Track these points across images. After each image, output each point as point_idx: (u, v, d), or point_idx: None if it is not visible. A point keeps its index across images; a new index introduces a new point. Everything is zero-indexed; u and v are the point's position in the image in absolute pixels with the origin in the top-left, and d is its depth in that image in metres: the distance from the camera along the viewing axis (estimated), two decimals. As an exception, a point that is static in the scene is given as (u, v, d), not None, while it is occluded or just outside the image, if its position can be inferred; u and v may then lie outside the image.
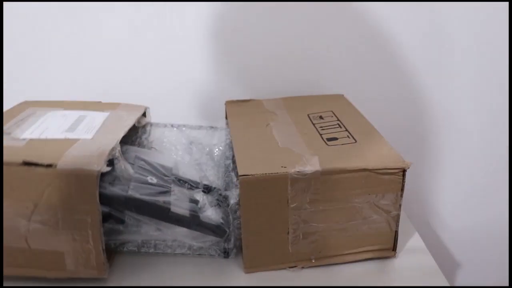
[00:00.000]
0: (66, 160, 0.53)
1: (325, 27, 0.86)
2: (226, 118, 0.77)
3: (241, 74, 0.89)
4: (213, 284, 0.60)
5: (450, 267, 1.11)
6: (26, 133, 0.61)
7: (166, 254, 0.64)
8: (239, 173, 0.55)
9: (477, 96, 0.94)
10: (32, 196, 0.53)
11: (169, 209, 0.59)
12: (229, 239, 0.63)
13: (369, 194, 0.59)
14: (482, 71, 0.91)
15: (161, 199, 0.59)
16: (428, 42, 0.88)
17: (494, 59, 0.90)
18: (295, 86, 0.88)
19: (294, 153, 0.60)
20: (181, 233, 0.61)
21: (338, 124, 0.69)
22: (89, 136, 0.61)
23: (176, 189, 0.63)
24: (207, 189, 0.67)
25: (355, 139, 0.64)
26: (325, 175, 0.56)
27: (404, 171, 0.57)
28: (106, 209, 0.56)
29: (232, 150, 0.69)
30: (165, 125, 0.76)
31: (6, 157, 0.52)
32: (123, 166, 0.59)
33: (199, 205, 0.63)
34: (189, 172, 0.69)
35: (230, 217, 0.63)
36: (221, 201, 0.66)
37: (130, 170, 0.60)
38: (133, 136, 0.74)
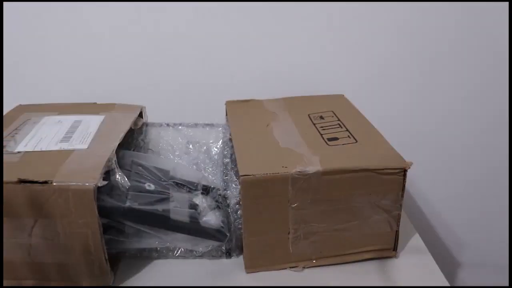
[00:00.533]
0: (62, 175, 0.53)
1: (325, 27, 0.86)
2: (226, 118, 0.77)
3: (241, 74, 0.89)
4: (215, 284, 0.60)
5: (450, 267, 1.11)
6: (20, 145, 0.60)
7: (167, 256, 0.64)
8: (240, 173, 0.55)
9: (477, 96, 0.94)
10: (30, 211, 0.53)
11: (169, 217, 0.58)
12: (230, 240, 0.63)
13: (370, 194, 0.58)
14: (482, 71, 0.91)
15: (160, 207, 0.59)
16: (428, 42, 0.88)
17: (494, 59, 0.90)
18: (295, 86, 0.88)
19: (295, 153, 0.60)
20: (181, 239, 0.61)
21: (338, 124, 0.69)
22: (84, 145, 0.60)
23: (175, 194, 0.63)
24: (206, 190, 0.67)
25: (355, 139, 0.64)
26: (326, 175, 0.56)
27: (405, 171, 0.57)
28: (105, 221, 0.56)
29: (231, 148, 0.69)
30: (161, 125, 0.75)
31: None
32: (119, 177, 0.59)
33: (198, 210, 0.63)
34: (187, 174, 0.69)
35: (231, 217, 0.63)
36: (221, 202, 0.66)
37: (127, 182, 0.60)
38: (129, 137, 0.74)
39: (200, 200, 0.65)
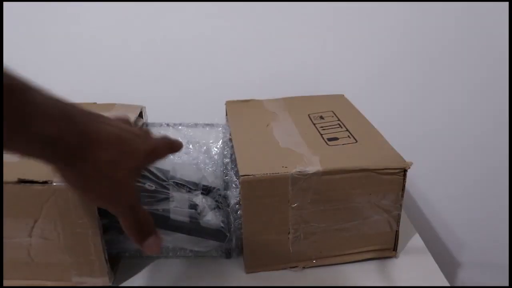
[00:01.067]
0: None
1: (325, 27, 0.86)
2: (226, 118, 0.77)
3: (241, 74, 0.89)
4: (215, 284, 0.60)
5: (450, 267, 1.11)
6: None
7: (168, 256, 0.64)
8: (240, 173, 0.55)
9: (477, 96, 0.94)
10: (31, 212, 0.53)
11: (169, 217, 0.58)
12: (230, 240, 0.63)
13: (370, 194, 0.58)
14: (482, 71, 0.91)
15: (160, 207, 0.58)
16: (428, 42, 0.88)
17: (494, 59, 0.90)
18: (295, 86, 0.88)
19: (295, 153, 0.60)
20: (181, 239, 0.61)
21: (338, 124, 0.69)
22: None
23: (175, 194, 0.62)
24: (206, 190, 0.67)
25: (355, 139, 0.64)
26: (326, 175, 0.56)
27: (405, 171, 0.57)
28: (105, 221, 0.56)
29: (231, 148, 0.68)
30: (161, 125, 0.75)
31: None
32: None
33: (198, 210, 0.63)
34: (187, 174, 0.69)
35: (231, 217, 0.63)
36: (221, 202, 0.66)
37: None
38: None
39: (200, 200, 0.65)
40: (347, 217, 0.60)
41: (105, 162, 0.38)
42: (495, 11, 0.86)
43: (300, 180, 0.56)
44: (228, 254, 0.64)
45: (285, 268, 0.62)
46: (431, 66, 0.91)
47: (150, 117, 0.77)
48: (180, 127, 0.75)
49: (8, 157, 0.56)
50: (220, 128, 0.75)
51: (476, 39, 0.88)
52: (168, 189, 0.62)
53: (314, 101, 0.80)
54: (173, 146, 0.47)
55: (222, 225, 0.62)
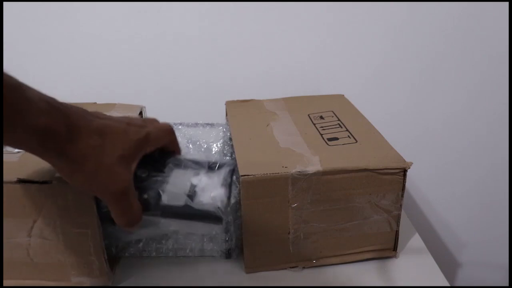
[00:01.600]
0: None
1: (325, 27, 0.86)
2: (226, 118, 0.77)
3: (241, 74, 0.89)
4: (215, 284, 0.60)
5: (450, 267, 1.11)
6: None
7: (168, 256, 0.64)
8: (240, 173, 0.55)
9: (477, 96, 0.94)
10: (30, 212, 0.53)
11: (159, 203, 0.53)
12: (230, 240, 0.63)
13: (370, 194, 0.58)
14: (482, 71, 0.92)
15: (153, 192, 0.53)
16: (428, 42, 0.89)
17: (494, 59, 0.90)
18: (295, 86, 0.88)
19: (295, 153, 0.60)
20: (176, 224, 0.55)
21: (338, 124, 0.69)
22: None
23: (172, 177, 0.56)
24: (213, 168, 0.59)
25: (355, 139, 0.64)
26: (326, 175, 0.56)
27: (405, 171, 0.57)
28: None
29: (231, 148, 0.68)
30: None
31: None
32: None
33: (195, 190, 0.56)
34: (192, 155, 0.65)
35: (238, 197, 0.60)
36: (229, 180, 0.58)
37: None
38: None
39: (199, 179, 0.58)
40: (347, 217, 0.60)
41: (92, 147, 0.40)
42: (495, 11, 0.86)
43: (300, 180, 0.56)
44: (228, 254, 0.64)
45: (285, 268, 0.62)
46: (431, 66, 0.91)
47: (150, 117, 0.77)
48: (180, 127, 0.75)
49: (7, 157, 0.57)
50: (220, 128, 0.75)
51: (476, 39, 0.88)
52: (164, 172, 0.56)
53: (314, 101, 0.80)
54: (172, 137, 0.49)
55: (218, 205, 0.55)
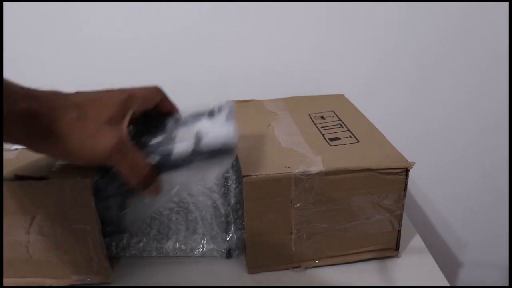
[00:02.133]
0: (59, 171, 0.53)
1: (325, 27, 0.86)
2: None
3: (241, 74, 0.89)
4: (215, 284, 0.60)
5: (450, 267, 1.11)
6: None
7: (168, 256, 0.64)
8: (243, 174, 0.55)
9: (477, 96, 0.94)
10: (28, 208, 0.53)
11: (170, 158, 0.51)
12: (230, 240, 0.63)
13: (372, 194, 0.58)
14: (482, 71, 0.92)
15: (161, 152, 0.51)
16: (428, 42, 0.89)
17: (494, 59, 0.90)
18: (295, 86, 0.88)
19: (297, 153, 0.60)
20: (188, 175, 0.52)
21: (339, 124, 0.69)
22: None
23: (175, 132, 0.54)
24: (212, 113, 0.56)
25: (357, 139, 0.64)
26: (328, 176, 0.56)
27: (407, 170, 0.57)
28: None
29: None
30: None
31: None
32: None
33: (200, 135, 0.53)
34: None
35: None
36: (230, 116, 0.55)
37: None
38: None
39: (202, 125, 0.55)
40: (350, 217, 0.60)
41: (76, 118, 0.42)
42: (495, 11, 0.86)
43: (303, 180, 0.56)
44: (228, 254, 0.64)
45: (287, 269, 0.62)
46: (431, 66, 0.91)
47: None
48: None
49: (4, 154, 0.56)
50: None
51: (476, 39, 0.89)
52: (166, 132, 0.54)
53: (314, 101, 0.80)
54: (162, 96, 0.50)
55: (226, 138, 0.51)
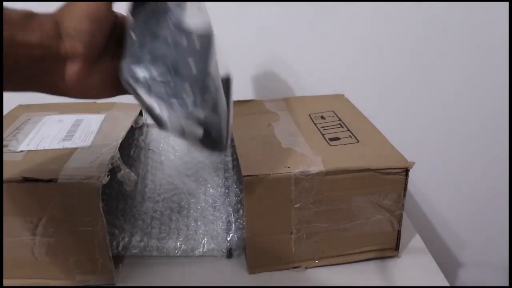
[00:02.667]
0: (67, 173, 0.53)
1: (325, 27, 0.86)
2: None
3: (241, 74, 0.89)
4: (215, 284, 0.60)
5: (450, 267, 1.11)
6: (23, 144, 0.60)
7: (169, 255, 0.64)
8: (243, 174, 0.55)
9: (477, 96, 0.94)
10: (35, 210, 0.53)
11: None
12: (232, 239, 0.63)
13: (372, 194, 0.59)
14: (482, 71, 0.92)
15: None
16: (428, 42, 0.89)
17: (494, 59, 0.90)
18: (295, 86, 0.88)
19: (297, 153, 0.60)
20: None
21: (339, 124, 0.69)
22: (87, 144, 0.60)
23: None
24: None
25: (357, 139, 0.64)
26: (328, 175, 0.56)
27: (407, 170, 0.57)
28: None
29: (232, 148, 0.68)
30: None
31: (6, 174, 0.52)
32: (125, 173, 0.59)
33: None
34: None
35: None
36: None
37: (134, 177, 0.60)
38: (130, 138, 0.73)
39: None
40: (350, 217, 0.60)
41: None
42: (495, 11, 0.86)
43: (303, 180, 0.56)
44: (229, 254, 0.64)
45: (287, 268, 0.62)
46: (431, 66, 0.91)
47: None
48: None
49: (11, 156, 0.57)
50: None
51: (476, 39, 0.89)
52: None
53: (314, 101, 0.80)
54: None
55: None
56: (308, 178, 0.56)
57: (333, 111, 0.74)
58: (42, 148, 0.59)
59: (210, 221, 0.66)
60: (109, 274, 0.57)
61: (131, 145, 0.73)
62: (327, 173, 0.56)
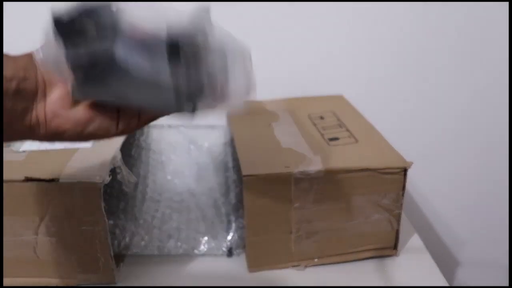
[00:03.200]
0: (68, 173, 0.53)
1: (325, 27, 0.86)
2: (227, 118, 0.78)
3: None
4: (217, 283, 0.60)
5: (449, 267, 1.12)
6: (25, 144, 0.61)
7: (170, 254, 0.64)
8: (243, 173, 0.55)
9: (477, 96, 0.94)
10: (37, 210, 0.54)
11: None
12: (232, 238, 0.64)
13: (371, 193, 0.59)
14: (482, 72, 0.92)
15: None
16: (428, 42, 0.89)
17: (494, 59, 0.91)
18: (295, 86, 0.88)
19: (297, 153, 0.60)
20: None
21: (339, 124, 0.70)
22: (88, 144, 0.61)
23: None
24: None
25: (356, 139, 0.65)
26: (328, 175, 0.56)
27: (405, 170, 0.58)
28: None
29: (232, 148, 0.69)
30: (163, 126, 0.76)
31: (8, 174, 0.52)
32: (125, 174, 0.59)
33: None
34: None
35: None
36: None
37: (133, 178, 0.60)
38: (130, 138, 0.74)
39: None
40: (349, 216, 0.60)
41: None
42: (495, 11, 0.86)
43: (303, 180, 0.56)
44: (229, 253, 0.65)
45: (287, 267, 0.62)
46: (430, 66, 0.91)
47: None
48: (182, 128, 0.76)
49: (13, 156, 0.57)
50: (222, 129, 0.75)
51: (476, 40, 0.89)
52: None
53: (313, 101, 0.80)
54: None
55: None
56: (307, 178, 0.56)
57: (332, 112, 0.75)
58: (44, 148, 0.60)
59: (210, 221, 0.66)
60: (110, 273, 0.58)
61: (132, 145, 0.73)
62: (326, 172, 0.56)
